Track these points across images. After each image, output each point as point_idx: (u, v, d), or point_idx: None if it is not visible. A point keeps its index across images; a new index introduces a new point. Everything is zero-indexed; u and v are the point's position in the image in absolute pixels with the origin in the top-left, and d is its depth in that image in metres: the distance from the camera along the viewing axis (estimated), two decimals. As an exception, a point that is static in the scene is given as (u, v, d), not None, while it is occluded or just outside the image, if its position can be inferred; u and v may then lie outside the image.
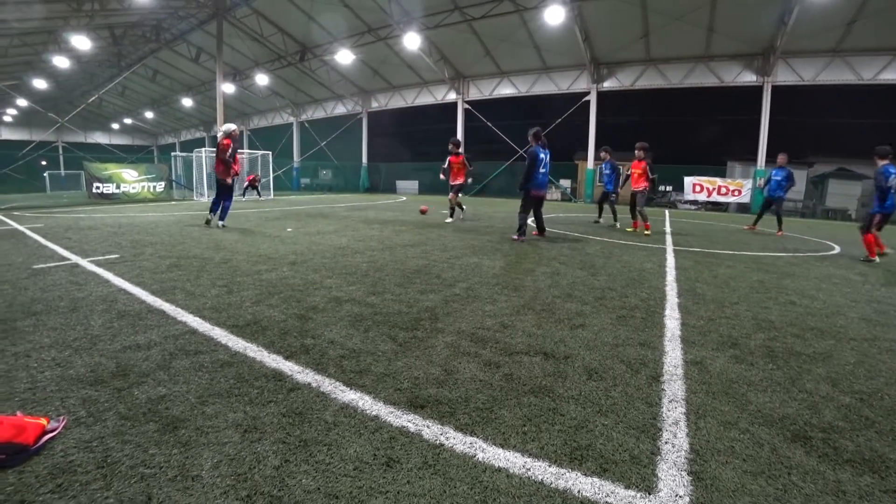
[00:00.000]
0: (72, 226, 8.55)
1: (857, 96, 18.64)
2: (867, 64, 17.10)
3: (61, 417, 1.77)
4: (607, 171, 10.61)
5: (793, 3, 14.86)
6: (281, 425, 1.78)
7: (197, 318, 3.06)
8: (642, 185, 9.06)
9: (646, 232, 8.74)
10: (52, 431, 1.66)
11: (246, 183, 20.43)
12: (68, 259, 5.12)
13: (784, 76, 18.28)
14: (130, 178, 18.18)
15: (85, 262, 4.91)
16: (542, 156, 7.23)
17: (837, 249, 7.74)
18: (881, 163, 6.49)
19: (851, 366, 2.54)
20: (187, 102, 33.57)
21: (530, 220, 7.81)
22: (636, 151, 9.07)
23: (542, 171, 7.30)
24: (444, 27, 19.82)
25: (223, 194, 8.51)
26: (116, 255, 5.34)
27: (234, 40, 23.60)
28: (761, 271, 5.31)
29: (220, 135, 8.62)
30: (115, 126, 44.80)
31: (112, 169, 17.96)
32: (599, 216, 11.29)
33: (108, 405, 1.91)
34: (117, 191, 17.59)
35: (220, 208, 8.47)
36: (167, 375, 2.20)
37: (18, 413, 1.71)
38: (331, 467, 1.54)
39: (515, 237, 7.31)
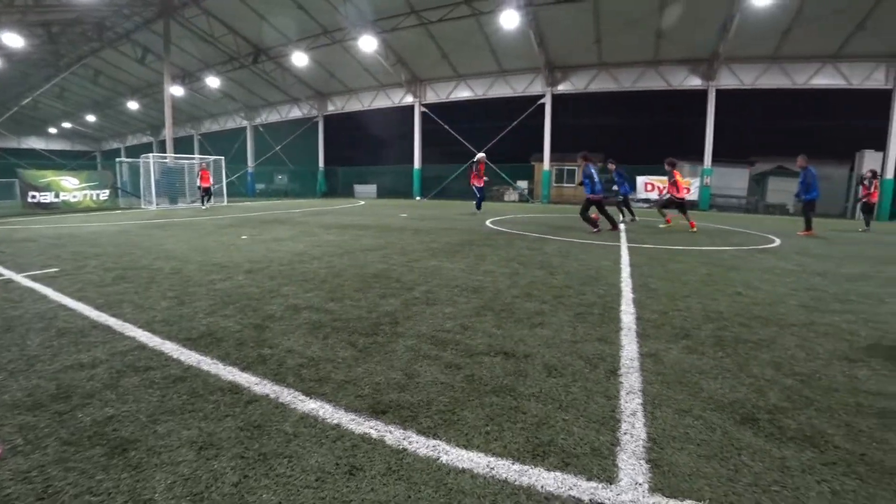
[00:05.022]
0: (4, 238, 7.97)
1: (791, 100, 19.91)
2: (800, 70, 18.34)
3: (-6, 445, 1.64)
4: (617, 178, 11.88)
5: (734, 11, 15.74)
6: (239, 440, 1.72)
7: (146, 333, 2.91)
8: None
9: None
10: (-17, 461, 1.54)
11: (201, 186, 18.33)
12: (1, 274, 4.77)
13: (727, 80, 19.34)
14: (71, 186, 17.12)
15: (20, 278, 4.58)
16: (593, 171, 9.05)
17: (778, 242, 8.23)
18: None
19: (792, 350, 2.70)
20: (133, 105, 31.99)
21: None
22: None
23: (596, 181, 9.10)
24: (401, 30, 19.79)
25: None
26: (56, 269, 5.02)
27: (182, 41, 22.67)
28: (710, 265, 5.57)
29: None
30: (53, 130, 42.10)
31: (50, 176, 16.86)
32: (624, 217, 12.18)
33: (48, 431, 1.78)
34: (56, 200, 16.52)
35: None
36: (115, 395, 2.08)
37: (-57, 443, 1.58)
38: (292, 480, 1.50)
39: (594, 230, 8.94)
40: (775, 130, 22.26)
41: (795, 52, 17.84)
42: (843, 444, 1.72)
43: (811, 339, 2.90)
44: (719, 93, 19.46)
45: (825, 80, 18.10)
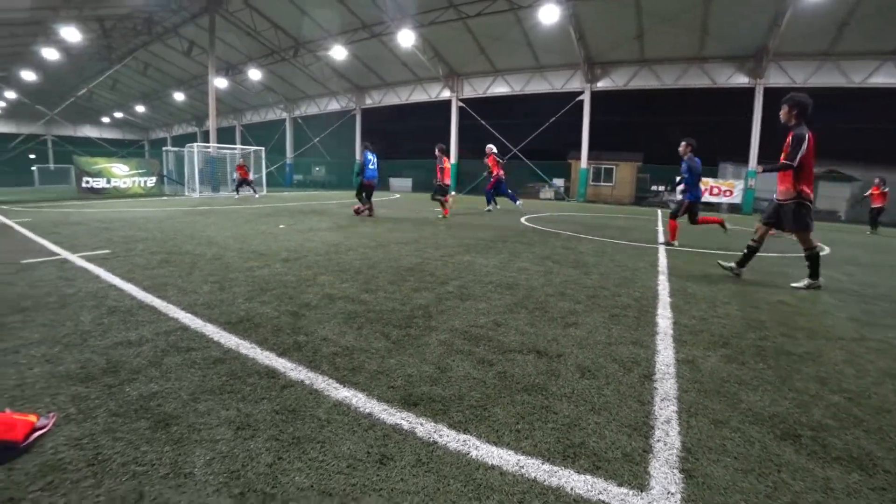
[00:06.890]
0: (61, 221, 8.45)
1: (847, 99, 18.81)
2: (857, 68, 17.28)
3: (51, 414, 1.75)
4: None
5: (786, 4, 14.97)
6: (274, 422, 1.77)
7: (189, 315, 3.03)
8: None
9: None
10: (42, 428, 1.64)
11: (237, 178, 18.99)
12: (57, 254, 5.06)
13: (776, 78, 18.41)
14: (121, 173, 18.00)
15: (74, 258, 4.85)
16: (369, 157, 10.23)
17: (827, 250, 7.83)
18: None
19: (840, 365, 2.57)
20: (179, 97, 33.26)
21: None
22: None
23: (371, 168, 10.25)
24: (439, 24, 19.77)
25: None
26: (107, 251, 5.29)
27: (226, 34, 23.39)
28: (751, 271, 5.35)
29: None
30: (106, 120, 44.28)
31: (102, 163, 17.77)
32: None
33: (98, 402, 1.89)
34: (107, 185, 17.41)
35: (511, 196, 12.94)
36: (159, 372, 2.18)
37: (7, 410, 1.69)
38: (324, 465, 1.53)
39: (358, 209, 10.51)
40: (830, 132, 21.12)
41: (852, 49, 16.81)
42: (894, 469, 1.63)
43: (861, 355, 2.75)
44: (767, 91, 18.56)
45: (885, 78, 16.99)
